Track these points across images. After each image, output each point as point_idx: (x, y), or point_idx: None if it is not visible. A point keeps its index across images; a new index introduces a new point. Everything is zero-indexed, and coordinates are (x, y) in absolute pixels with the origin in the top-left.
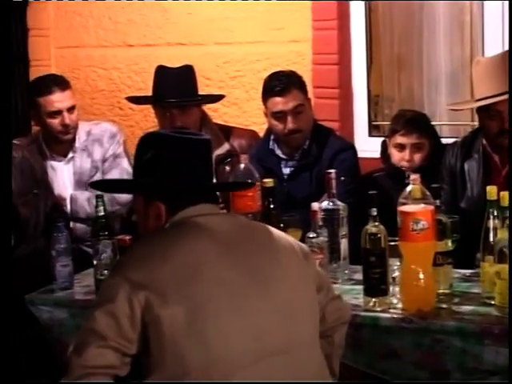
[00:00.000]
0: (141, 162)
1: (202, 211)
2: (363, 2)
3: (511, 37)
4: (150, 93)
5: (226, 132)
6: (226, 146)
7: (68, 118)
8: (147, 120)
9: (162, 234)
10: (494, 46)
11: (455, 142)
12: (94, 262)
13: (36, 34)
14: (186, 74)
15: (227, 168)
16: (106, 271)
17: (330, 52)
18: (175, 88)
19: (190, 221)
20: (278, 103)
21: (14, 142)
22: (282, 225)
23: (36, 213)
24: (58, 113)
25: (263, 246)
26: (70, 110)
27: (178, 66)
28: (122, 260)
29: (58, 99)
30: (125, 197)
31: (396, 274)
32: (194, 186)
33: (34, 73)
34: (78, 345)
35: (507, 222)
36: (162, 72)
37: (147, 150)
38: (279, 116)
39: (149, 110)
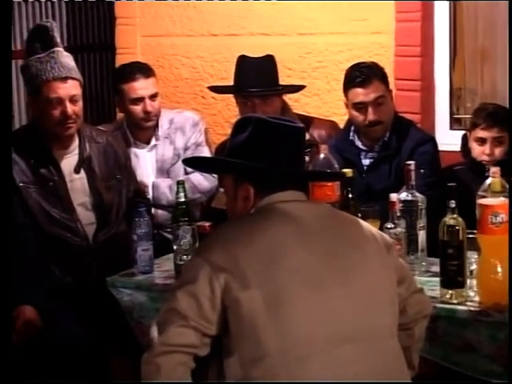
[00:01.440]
0: (235, 143)
1: (290, 197)
2: None
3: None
4: (232, 82)
5: (306, 122)
6: (307, 136)
7: (150, 106)
8: (229, 109)
9: (247, 218)
10: None
11: None
12: (174, 248)
13: (123, 23)
14: (268, 64)
15: (306, 158)
16: (185, 256)
17: (413, 44)
18: (256, 77)
19: (276, 206)
20: (359, 94)
21: (100, 127)
22: (360, 215)
23: (119, 198)
24: (141, 100)
25: (345, 234)
26: (153, 97)
27: (260, 55)
28: (204, 242)
29: (141, 86)
30: (206, 184)
31: (474, 266)
32: (287, 171)
33: (120, 60)
34: (160, 323)
35: None
36: (243, 61)
37: (243, 132)
38: (360, 107)
39: (231, 99)
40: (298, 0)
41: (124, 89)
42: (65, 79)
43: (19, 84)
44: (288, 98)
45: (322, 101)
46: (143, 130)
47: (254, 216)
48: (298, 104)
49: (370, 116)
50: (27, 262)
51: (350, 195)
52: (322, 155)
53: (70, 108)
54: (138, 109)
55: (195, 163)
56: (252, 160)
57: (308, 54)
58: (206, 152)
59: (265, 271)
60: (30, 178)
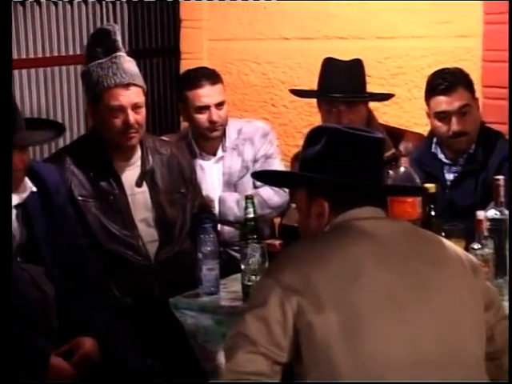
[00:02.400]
0: (308, 155)
1: (367, 214)
2: None
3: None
4: (305, 89)
5: (397, 135)
6: (391, 150)
7: (216, 114)
8: (301, 118)
9: (321, 236)
10: None
11: None
12: (242, 267)
13: (188, 26)
14: (356, 68)
15: (390, 172)
16: (253, 277)
17: (502, 48)
18: (344, 82)
19: (352, 224)
20: (442, 103)
21: (163, 138)
22: (443, 234)
23: (183, 213)
24: (206, 108)
25: (427, 253)
26: (219, 105)
27: (347, 59)
28: (275, 262)
29: (207, 94)
30: (276, 199)
31: None
32: (365, 185)
33: (185, 66)
34: (227, 349)
35: None
36: (330, 64)
37: (316, 143)
38: (443, 117)
39: (304, 107)
40: (377, 0)
41: (189, 96)
42: (127, 86)
43: (78, 90)
44: None
45: (402, 110)
46: (209, 140)
47: (329, 234)
48: (376, 113)
49: (454, 126)
50: (88, 284)
51: (433, 212)
52: (402, 168)
53: (132, 117)
54: (203, 118)
55: (265, 177)
56: (326, 173)
57: (387, 60)
58: (276, 164)
59: (340, 292)
60: (89, 191)
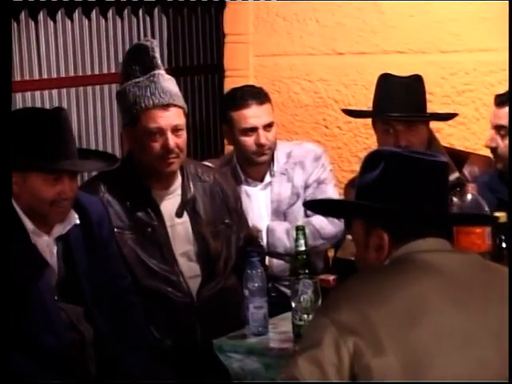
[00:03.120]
0: (365, 182)
1: (431, 246)
2: None
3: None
4: (361, 108)
5: (461, 158)
6: (455, 174)
7: (264, 137)
8: (357, 141)
9: (380, 271)
10: None
11: None
12: (293, 305)
13: (233, 41)
14: (415, 85)
15: (454, 199)
16: (305, 316)
17: None
18: (402, 100)
19: (415, 257)
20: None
21: (206, 163)
22: None
23: (227, 246)
24: (253, 130)
25: (500, 289)
26: (268, 127)
27: (405, 75)
28: (329, 299)
29: (254, 114)
30: (330, 230)
31: None
32: (429, 214)
33: (230, 84)
34: None
35: None
36: (386, 81)
37: (374, 168)
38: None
39: (359, 129)
40: (440, 9)
41: (234, 117)
42: (167, 107)
43: (113, 112)
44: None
45: (470, 131)
46: (256, 165)
47: (389, 268)
48: (440, 135)
49: None
50: (130, 328)
51: (504, 244)
52: (469, 196)
53: (172, 140)
54: (250, 141)
55: (317, 205)
56: (385, 201)
57: (452, 76)
58: (329, 191)
59: (403, 333)
60: (125, 222)
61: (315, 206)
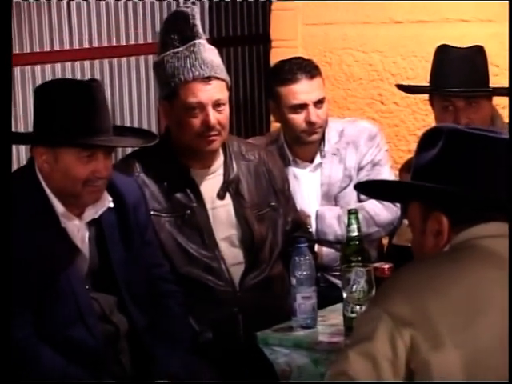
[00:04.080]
0: (423, 161)
1: (495, 231)
2: None
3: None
4: (420, 83)
5: None
6: None
7: (315, 114)
8: (416, 118)
9: (439, 259)
10: None
11: None
12: (344, 295)
13: (280, 8)
14: (477, 58)
15: None
16: (358, 307)
17: None
18: (462, 74)
19: (477, 243)
20: None
21: (250, 141)
22: None
23: (273, 231)
24: (303, 107)
25: None
26: (318, 103)
27: (465, 46)
28: (383, 289)
29: (304, 90)
30: (385, 215)
31: None
32: (494, 197)
33: (276, 56)
34: None
35: None
36: (445, 53)
37: (432, 147)
38: None
39: (418, 105)
40: None
41: (281, 93)
42: (208, 79)
43: (150, 85)
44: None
45: None
46: (306, 144)
47: (449, 255)
48: (506, 113)
49: None
50: (168, 321)
51: None
52: None
53: (213, 116)
54: (299, 118)
55: (371, 188)
56: (445, 183)
57: None
58: (385, 173)
59: (464, 326)
60: (162, 204)
61: (368, 189)
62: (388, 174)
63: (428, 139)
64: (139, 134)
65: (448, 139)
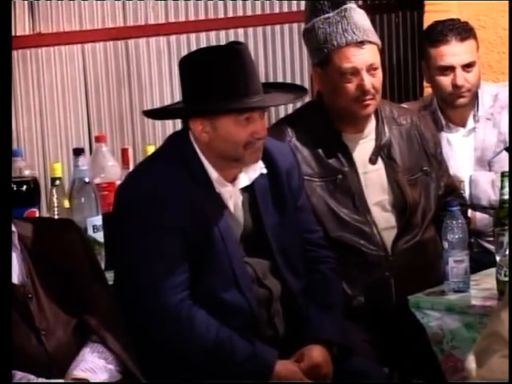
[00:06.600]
0: None
1: None
2: None
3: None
4: None
5: None
6: None
7: (462, 78)
8: None
9: None
10: None
11: None
12: (497, 259)
13: None
14: None
15: None
16: None
17: None
18: None
19: None
20: None
21: (403, 105)
22: None
23: (425, 195)
24: (451, 69)
25: None
26: (468, 67)
27: None
28: None
29: (453, 52)
30: None
31: None
32: None
33: (430, 20)
34: (479, 352)
35: None
36: None
37: None
38: None
39: None
40: None
41: (431, 53)
42: (361, 44)
43: (302, 51)
44: None
45: None
46: (457, 108)
47: None
48: None
49: None
50: (322, 286)
51: None
52: None
53: (368, 80)
54: (446, 80)
55: None
56: None
57: None
58: None
59: None
60: (313, 169)
61: None
62: None
63: None
64: (288, 88)
65: None
